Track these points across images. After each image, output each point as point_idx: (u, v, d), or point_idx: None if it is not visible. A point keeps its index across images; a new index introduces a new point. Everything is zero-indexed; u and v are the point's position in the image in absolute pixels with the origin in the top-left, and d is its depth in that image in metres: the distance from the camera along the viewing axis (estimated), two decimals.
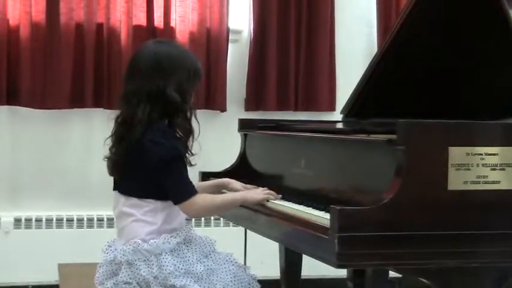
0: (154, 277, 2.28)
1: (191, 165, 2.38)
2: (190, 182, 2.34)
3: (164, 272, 2.28)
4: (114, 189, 2.41)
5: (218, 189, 2.68)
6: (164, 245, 2.31)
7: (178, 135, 2.37)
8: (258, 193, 2.50)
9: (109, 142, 2.37)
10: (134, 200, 2.34)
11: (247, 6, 4.48)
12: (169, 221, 2.36)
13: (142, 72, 2.32)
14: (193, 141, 2.39)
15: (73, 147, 4.30)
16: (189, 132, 2.37)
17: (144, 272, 2.29)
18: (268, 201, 2.48)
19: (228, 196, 2.55)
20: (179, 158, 2.31)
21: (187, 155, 2.37)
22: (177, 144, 2.32)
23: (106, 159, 2.38)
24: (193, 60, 2.42)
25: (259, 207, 2.50)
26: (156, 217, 2.34)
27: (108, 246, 2.40)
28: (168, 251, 2.31)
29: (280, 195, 2.52)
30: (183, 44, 2.48)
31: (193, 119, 2.39)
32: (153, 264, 2.29)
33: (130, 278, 2.30)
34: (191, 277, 2.30)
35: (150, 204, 2.34)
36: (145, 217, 2.33)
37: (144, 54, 2.37)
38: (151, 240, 2.31)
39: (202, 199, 2.37)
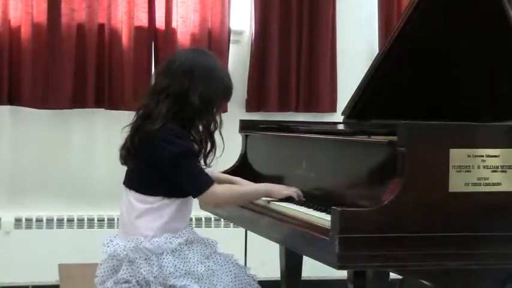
0: (155, 277, 2.30)
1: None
2: (206, 174, 2.37)
3: (164, 272, 2.30)
4: (124, 182, 2.44)
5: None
6: (166, 245, 2.32)
7: (192, 137, 2.40)
8: (283, 188, 2.49)
9: (127, 130, 2.41)
10: (141, 196, 2.37)
11: (248, 7, 4.48)
12: (173, 220, 2.37)
13: (174, 73, 2.38)
14: (214, 155, 2.42)
15: (74, 147, 4.30)
16: (207, 142, 2.40)
17: (144, 271, 2.30)
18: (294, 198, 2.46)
19: (250, 187, 2.56)
20: (188, 153, 2.34)
21: (203, 166, 2.39)
22: (184, 141, 2.34)
23: (121, 149, 2.41)
24: (227, 77, 2.46)
25: (260, 209, 2.51)
26: (162, 214, 2.36)
27: (110, 240, 2.42)
28: (169, 251, 2.33)
29: (302, 195, 2.48)
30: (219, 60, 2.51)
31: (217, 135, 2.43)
32: (153, 264, 2.31)
33: (130, 276, 2.32)
34: (191, 278, 2.31)
35: (157, 201, 2.36)
36: (151, 213, 2.36)
37: (181, 57, 2.43)
38: (153, 239, 2.33)
39: (221, 189, 2.40)
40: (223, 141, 2.44)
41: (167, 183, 2.34)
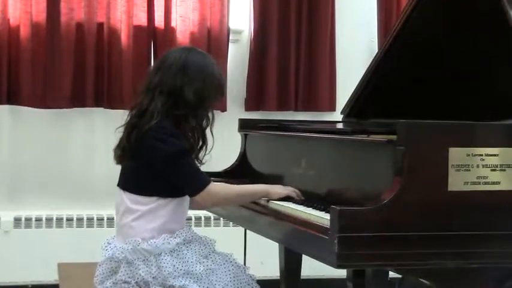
0: (153, 277, 2.29)
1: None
2: (202, 172, 2.37)
3: (163, 272, 2.29)
4: (118, 184, 2.43)
5: None
6: (164, 246, 2.32)
7: (187, 135, 2.40)
8: (281, 188, 2.50)
9: (121, 130, 2.41)
10: (137, 197, 2.36)
11: (247, 6, 4.48)
12: (170, 220, 2.37)
13: (168, 69, 2.39)
14: (205, 152, 2.43)
15: (73, 146, 4.30)
16: (199, 138, 2.41)
17: (142, 272, 2.30)
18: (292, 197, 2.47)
19: (249, 186, 2.57)
20: (184, 152, 2.34)
21: (197, 163, 2.40)
22: (179, 140, 2.34)
23: (115, 149, 2.41)
24: (220, 75, 2.49)
25: (260, 208, 2.51)
26: (158, 215, 2.35)
27: (108, 243, 2.42)
28: (167, 251, 2.32)
29: (300, 194, 2.50)
30: (213, 58, 2.54)
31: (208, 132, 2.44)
32: (152, 265, 2.30)
33: (129, 277, 2.31)
34: (190, 277, 2.31)
35: (153, 201, 2.35)
36: (147, 214, 2.35)
37: (175, 55, 2.44)
38: (151, 240, 2.32)
39: (219, 187, 2.41)
40: (213, 138, 2.45)
41: (162, 183, 2.34)
